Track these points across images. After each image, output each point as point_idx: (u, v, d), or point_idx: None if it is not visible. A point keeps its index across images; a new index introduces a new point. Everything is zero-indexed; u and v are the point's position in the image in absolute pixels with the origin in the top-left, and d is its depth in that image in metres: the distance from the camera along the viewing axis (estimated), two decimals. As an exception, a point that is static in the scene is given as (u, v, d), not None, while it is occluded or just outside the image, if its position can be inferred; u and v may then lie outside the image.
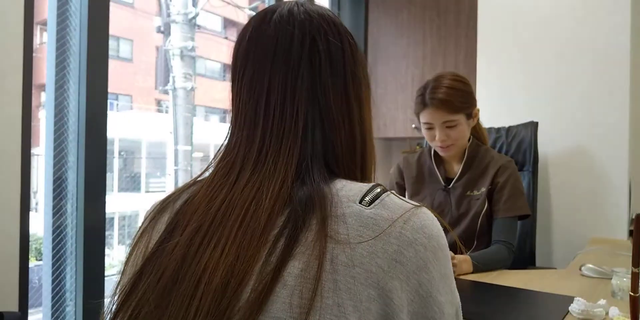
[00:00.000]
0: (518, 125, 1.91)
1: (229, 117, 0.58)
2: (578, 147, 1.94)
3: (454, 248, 1.30)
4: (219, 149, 0.56)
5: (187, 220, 0.49)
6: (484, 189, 1.42)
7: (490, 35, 2.16)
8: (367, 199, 0.46)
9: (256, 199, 0.47)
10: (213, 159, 0.56)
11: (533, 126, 1.87)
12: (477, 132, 1.54)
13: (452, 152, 1.44)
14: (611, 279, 1.07)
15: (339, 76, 0.54)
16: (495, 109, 2.07)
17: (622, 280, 1.02)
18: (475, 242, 1.44)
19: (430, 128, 1.41)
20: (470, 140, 1.48)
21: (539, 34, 2.03)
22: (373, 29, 2.79)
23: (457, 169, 1.48)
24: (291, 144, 0.51)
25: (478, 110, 1.46)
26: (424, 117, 1.41)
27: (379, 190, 0.48)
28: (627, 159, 1.85)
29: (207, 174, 0.55)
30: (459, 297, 0.49)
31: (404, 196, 1.62)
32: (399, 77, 2.71)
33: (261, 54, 0.54)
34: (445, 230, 0.48)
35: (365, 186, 0.48)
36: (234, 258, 0.43)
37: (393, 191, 0.49)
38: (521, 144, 1.86)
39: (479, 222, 1.42)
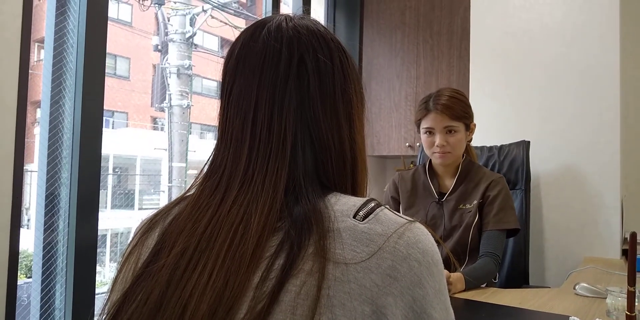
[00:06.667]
0: (510, 144, 1.93)
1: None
2: (570, 166, 1.96)
3: (446, 262, 1.30)
4: (205, 165, 0.54)
5: (172, 241, 0.47)
6: (475, 202, 1.47)
7: (482, 56, 2.20)
8: (361, 213, 0.46)
9: (244, 222, 0.46)
10: (198, 174, 0.54)
11: (525, 145, 1.88)
12: (468, 152, 1.60)
13: (448, 160, 1.49)
14: (605, 298, 1.06)
15: (328, 94, 0.53)
16: (487, 128, 2.09)
17: (617, 300, 1.01)
18: (467, 257, 1.46)
19: (430, 133, 1.48)
20: (464, 157, 1.54)
21: (530, 55, 2.07)
22: (367, 49, 2.84)
23: (450, 183, 1.53)
24: (279, 163, 0.49)
25: (475, 125, 1.53)
26: (426, 122, 1.48)
27: (372, 204, 0.47)
28: (618, 177, 1.86)
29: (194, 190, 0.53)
30: (453, 313, 0.48)
31: (399, 210, 1.60)
32: (392, 96, 2.74)
33: (249, 71, 0.53)
34: (438, 245, 0.48)
35: (359, 200, 0.48)
36: (222, 285, 0.42)
37: (387, 206, 0.48)
38: (513, 162, 1.87)
39: (470, 234, 1.45)
